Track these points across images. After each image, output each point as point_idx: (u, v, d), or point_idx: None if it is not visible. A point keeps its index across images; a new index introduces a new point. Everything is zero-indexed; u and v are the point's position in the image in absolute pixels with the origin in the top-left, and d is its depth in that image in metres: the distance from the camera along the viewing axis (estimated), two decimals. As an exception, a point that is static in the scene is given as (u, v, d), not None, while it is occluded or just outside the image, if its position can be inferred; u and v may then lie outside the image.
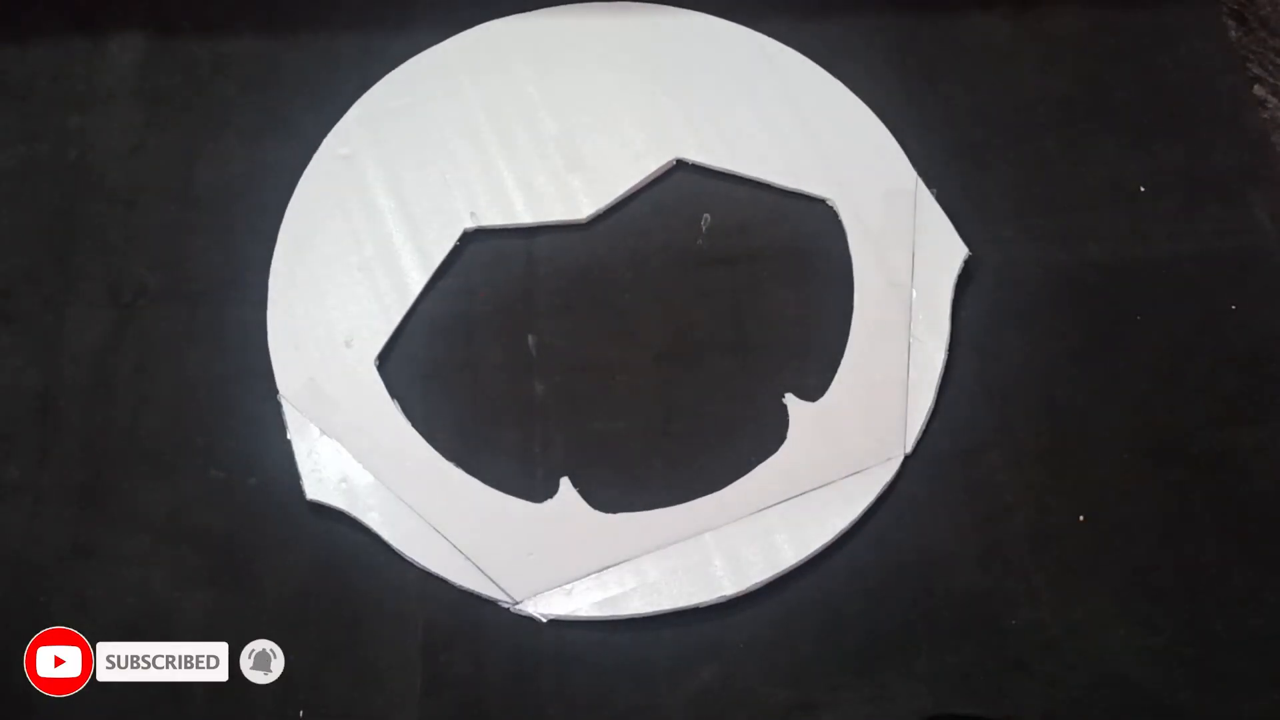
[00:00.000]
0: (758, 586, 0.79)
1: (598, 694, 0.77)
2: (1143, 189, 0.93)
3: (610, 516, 0.82)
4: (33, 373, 0.86)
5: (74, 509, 0.82)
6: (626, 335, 0.88)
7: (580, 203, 0.92)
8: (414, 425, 0.84)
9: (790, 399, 0.85)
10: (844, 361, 0.86)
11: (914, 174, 0.92)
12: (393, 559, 0.81)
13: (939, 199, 0.91)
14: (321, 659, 0.78)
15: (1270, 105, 0.97)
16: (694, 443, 0.84)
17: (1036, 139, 0.95)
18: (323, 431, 0.84)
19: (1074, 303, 0.89)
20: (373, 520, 0.81)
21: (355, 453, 0.83)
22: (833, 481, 0.82)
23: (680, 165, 0.94)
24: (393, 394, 0.85)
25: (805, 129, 0.94)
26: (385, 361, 0.87)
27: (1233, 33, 1.00)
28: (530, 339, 0.88)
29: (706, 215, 0.92)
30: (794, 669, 0.78)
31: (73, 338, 0.88)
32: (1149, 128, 0.96)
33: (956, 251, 0.89)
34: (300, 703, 0.77)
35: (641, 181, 0.93)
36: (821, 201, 0.92)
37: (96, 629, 0.79)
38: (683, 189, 0.93)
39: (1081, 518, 0.82)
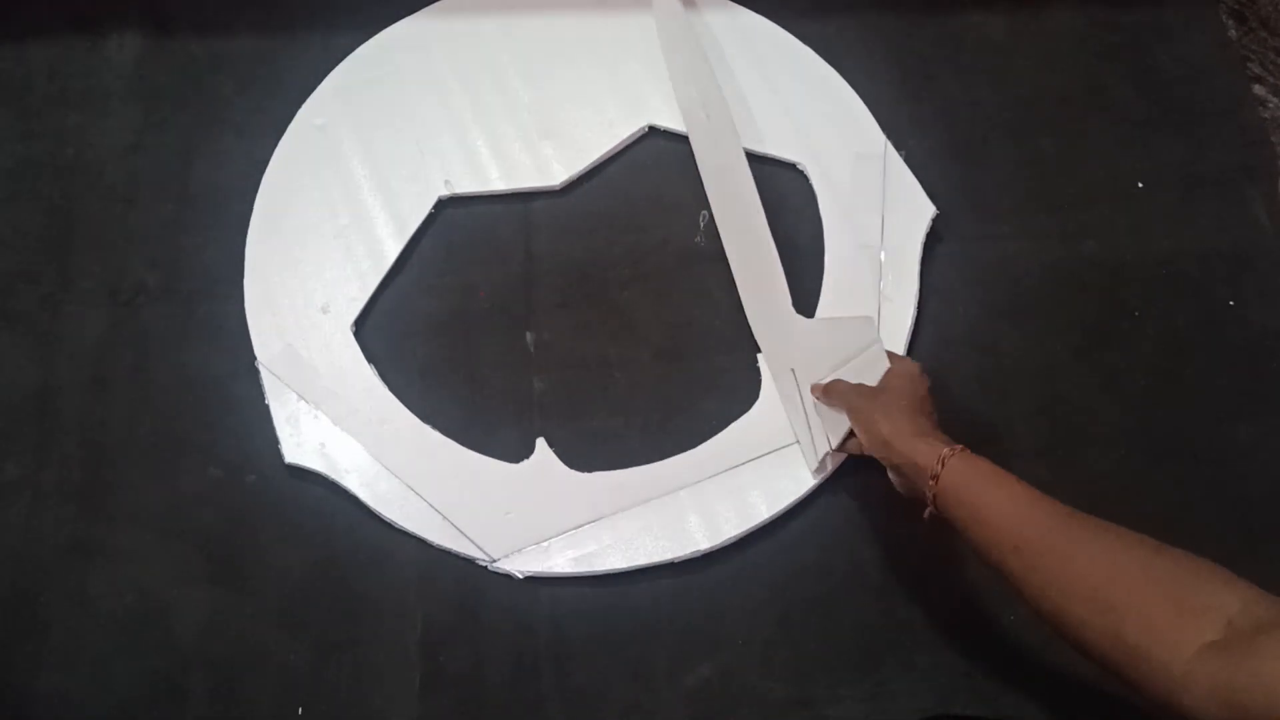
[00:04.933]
0: (731, 541, 0.80)
1: (597, 691, 0.77)
2: (1140, 186, 0.93)
3: (586, 475, 0.83)
4: (31, 371, 0.86)
5: (73, 507, 0.82)
6: (625, 332, 0.88)
7: (554, 169, 0.92)
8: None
9: (762, 358, 0.86)
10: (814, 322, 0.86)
11: (882, 137, 0.92)
12: (391, 557, 0.81)
13: (908, 160, 0.92)
14: (320, 656, 0.78)
15: (1270, 105, 0.97)
16: (693, 440, 0.84)
17: (1034, 136, 0.95)
18: (300, 396, 0.84)
19: (1072, 299, 0.89)
20: (351, 482, 0.82)
21: (333, 416, 0.84)
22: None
23: (652, 132, 0.94)
24: (389, 385, 0.85)
25: (775, 95, 0.95)
26: (381, 351, 0.87)
27: (1232, 32, 1.00)
28: (529, 336, 0.88)
29: (705, 212, 0.92)
30: (793, 666, 0.78)
31: (71, 336, 0.88)
32: (1147, 125, 0.96)
33: (924, 211, 0.90)
34: (299, 700, 0.77)
35: (614, 148, 0.93)
36: (792, 166, 0.92)
37: (95, 626, 0.79)
38: (685, 186, 0.93)
39: (1080, 514, 0.82)
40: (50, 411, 0.85)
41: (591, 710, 0.77)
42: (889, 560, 0.81)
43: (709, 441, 0.83)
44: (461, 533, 0.80)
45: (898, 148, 0.93)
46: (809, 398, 0.80)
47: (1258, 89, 0.98)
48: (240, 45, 0.98)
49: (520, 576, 0.79)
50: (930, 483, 0.65)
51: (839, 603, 0.80)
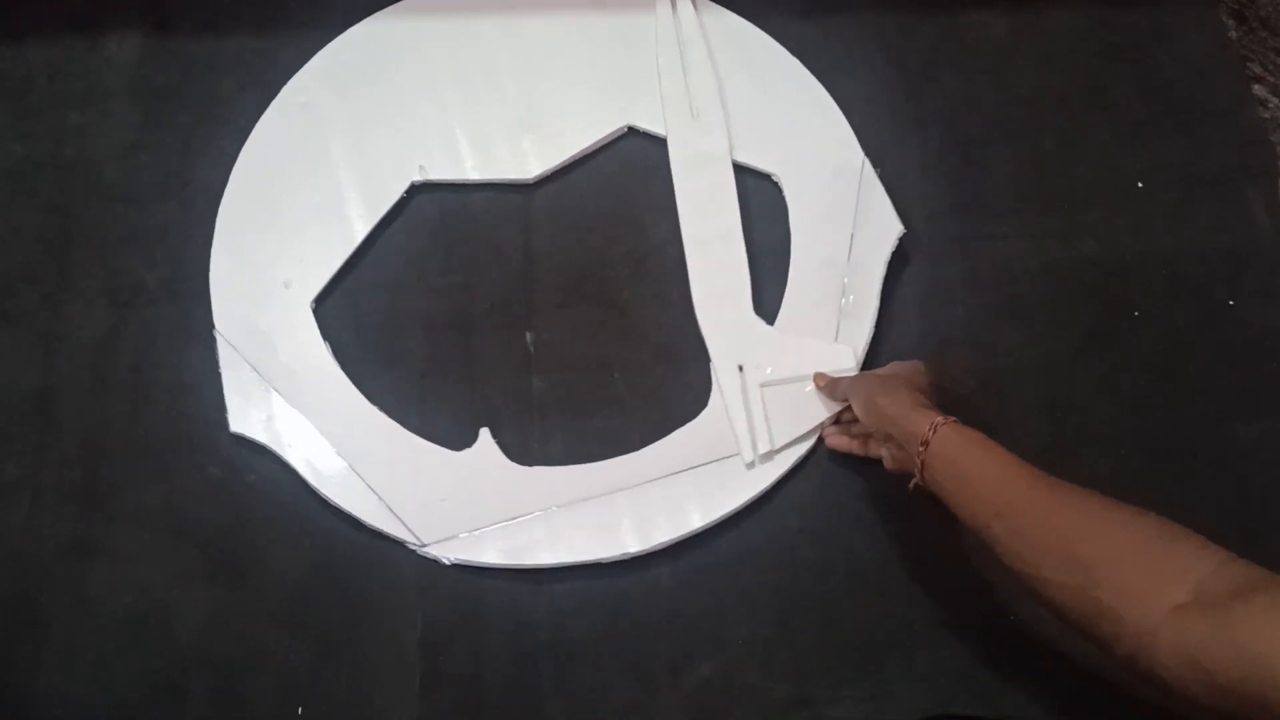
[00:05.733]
0: (661, 547, 0.80)
1: (597, 690, 0.77)
2: (1140, 185, 0.93)
3: (525, 469, 0.83)
4: (31, 371, 0.86)
5: (73, 507, 0.82)
6: (625, 333, 0.88)
7: (529, 163, 0.92)
8: (411, 423, 0.84)
9: (714, 366, 0.86)
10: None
11: (861, 154, 0.92)
12: (391, 557, 0.81)
13: (883, 178, 0.91)
14: (320, 656, 0.78)
15: (1270, 105, 0.97)
16: (693, 440, 0.84)
17: (1034, 136, 0.95)
18: (254, 367, 0.85)
19: (1072, 299, 0.89)
20: (292, 456, 0.82)
21: (283, 390, 0.84)
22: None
23: (632, 132, 0.94)
24: (389, 385, 0.85)
25: (759, 105, 0.94)
26: (381, 350, 0.87)
27: (1232, 32, 1.00)
28: (529, 336, 0.88)
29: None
30: (794, 666, 0.78)
31: (71, 336, 0.88)
32: (1147, 124, 0.96)
33: (892, 229, 0.89)
34: (299, 700, 0.77)
35: (591, 145, 0.93)
36: (767, 176, 0.92)
37: (95, 626, 0.79)
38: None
39: (1080, 514, 0.82)
40: (50, 411, 0.85)
41: (591, 710, 0.77)
42: (889, 560, 0.81)
43: (653, 445, 0.83)
44: (394, 514, 0.80)
45: (898, 148, 0.93)
46: (755, 394, 0.83)
47: (1258, 89, 0.98)
48: (240, 45, 0.98)
49: (448, 562, 0.80)
50: (920, 449, 0.67)
51: (839, 603, 0.80)
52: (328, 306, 0.88)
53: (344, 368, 0.86)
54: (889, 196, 0.90)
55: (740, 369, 0.84)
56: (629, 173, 0.94)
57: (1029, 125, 0.95)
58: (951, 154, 0.94)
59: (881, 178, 0.91)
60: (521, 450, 0.84)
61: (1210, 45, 0.99)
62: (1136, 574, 0.53)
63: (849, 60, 0.97)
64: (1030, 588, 0.59)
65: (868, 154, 0.92)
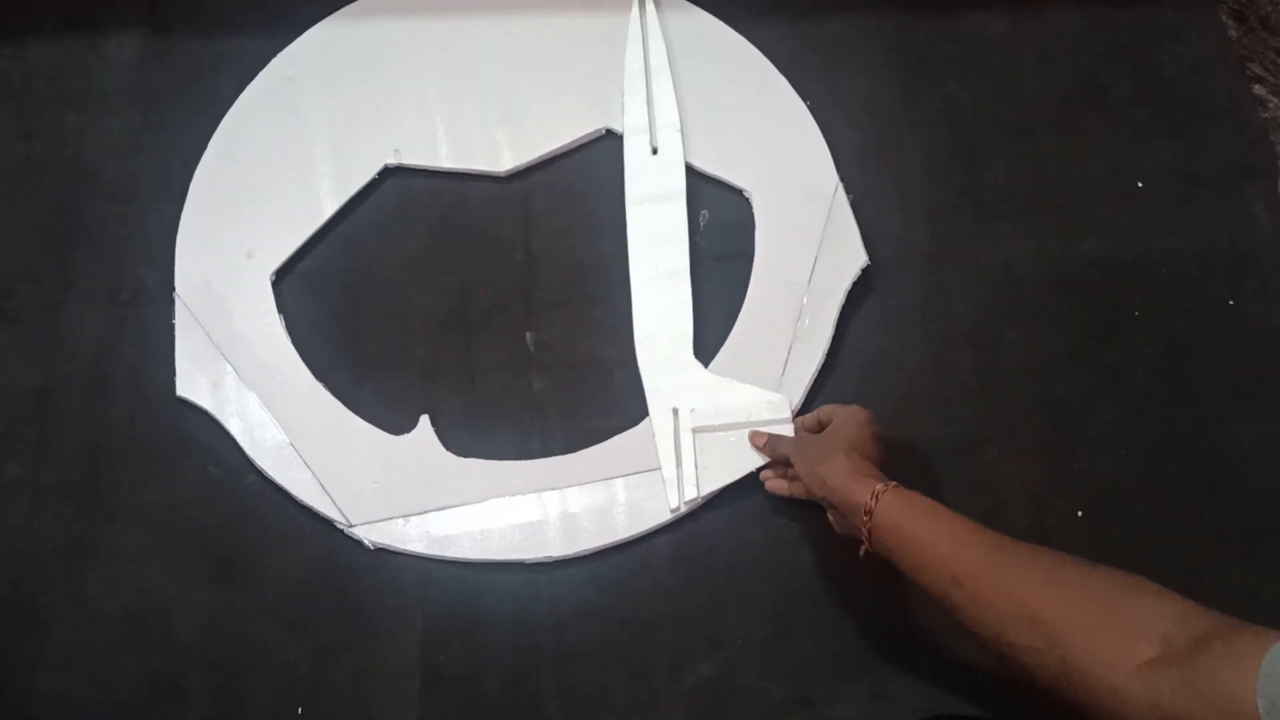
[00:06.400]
0: (586, 553, 0.80)
1: (597, 690, 0.77)
2: (1141, 185, 0.93)
3: (460, 460, 0.83)
4: (31, 371, 0.87)
5: (73, 506, 0.82)
6: (625, 333, 0.88)
7: (503, 156, 0.93)
8: (410, 420, 0.84)
9: (646, 387, 0.85)
10: (724, 348, 0.86)
11: (835, 178, 0.91)
12: (392, 557, 0.81)
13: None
14: (320, 657, 0.78)
15: (1270, 105, 0.97)
16: (693, 440, 0.84)
17: (1035, 136, 0.95)
18: (208, 334, 0.86)
19: (1072, 299, 0.89)
20: (234, 426, 0.83)
21: (233, 359, 0.85)
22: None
23: (610, 135, 0.94)
24: (389, 385, 0.85)
25: (740, 120, 0.94)
26: (379, 350, 0.87)
27: (1232, 32, 1.00)
28: (529, 336, 0.88)
29: (705, 212, 0.92)
30: (794, 666, 0.78)
31: (71, 336, 0.88)
32: (1147, 125, 0.95)
33: (856, 259, 0.88)
34: (299, 700, 0.77)
35: (567, 144, 0.93)
36: (739, 192, 0.92)
37: (95, 626, 0.79)
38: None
39: (1080, 514, 0.82)
40: (50, 411, 0.85)
41: (591, 710, 0.77)
42: (889, 560, 0.81)
43: (589, 449, 0.83)
44: (325, 492, 0.81)
45: (897, 148, 0.93)
46: (688, 439, 0.81)
47: (1258, 89, 0.98)
48: (240, 45, 0.98)
49: (371, 546, 0.80)
50: (864, 518, 0.66)
51: (839, 603, 0.80)
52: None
53: (338, 360, 0.86)
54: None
55: (675, 412, 0.83)
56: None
57: (1029, 125, 0.95)
58: (951, 154, 0.94)
59: (879, 180, 0.91)
60: (521, 449, 0.84)
61: (1210, 45, 0.99)
62: (1101, 632, 0.53)
63: (849, 61, 0.97)
64: (995, 651, 0.58)
65: (869, 154, 0.92)
